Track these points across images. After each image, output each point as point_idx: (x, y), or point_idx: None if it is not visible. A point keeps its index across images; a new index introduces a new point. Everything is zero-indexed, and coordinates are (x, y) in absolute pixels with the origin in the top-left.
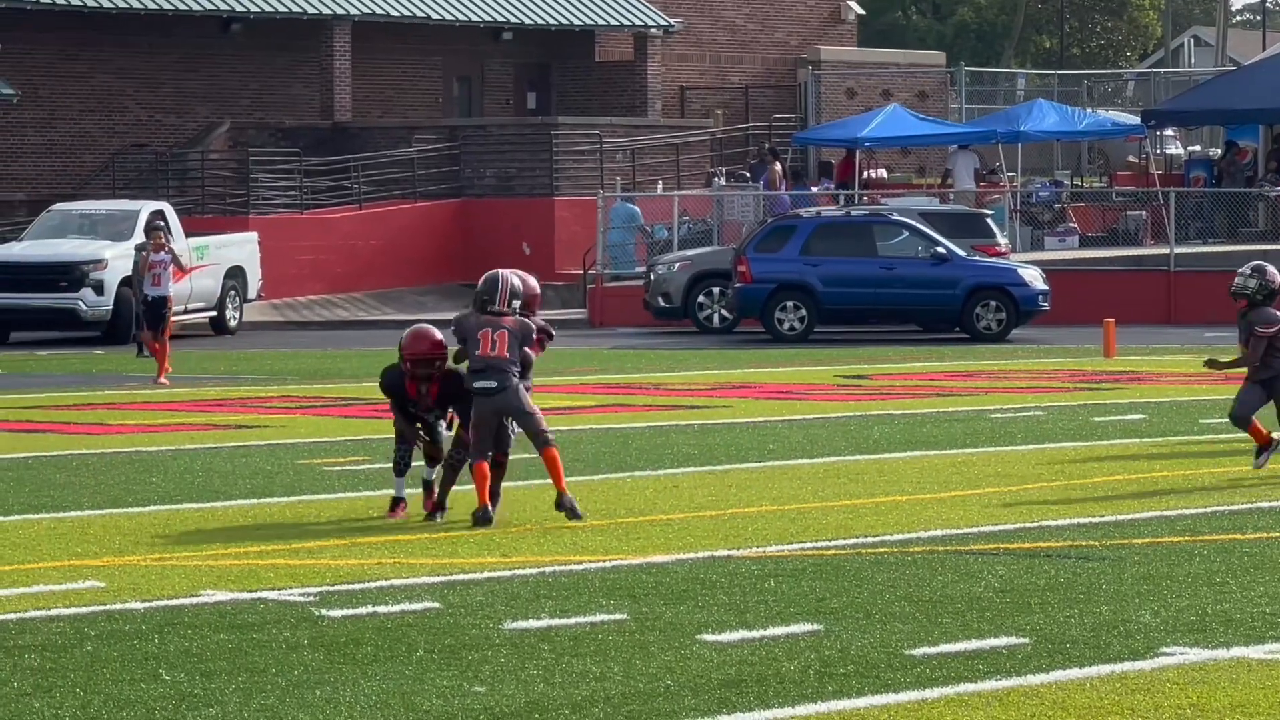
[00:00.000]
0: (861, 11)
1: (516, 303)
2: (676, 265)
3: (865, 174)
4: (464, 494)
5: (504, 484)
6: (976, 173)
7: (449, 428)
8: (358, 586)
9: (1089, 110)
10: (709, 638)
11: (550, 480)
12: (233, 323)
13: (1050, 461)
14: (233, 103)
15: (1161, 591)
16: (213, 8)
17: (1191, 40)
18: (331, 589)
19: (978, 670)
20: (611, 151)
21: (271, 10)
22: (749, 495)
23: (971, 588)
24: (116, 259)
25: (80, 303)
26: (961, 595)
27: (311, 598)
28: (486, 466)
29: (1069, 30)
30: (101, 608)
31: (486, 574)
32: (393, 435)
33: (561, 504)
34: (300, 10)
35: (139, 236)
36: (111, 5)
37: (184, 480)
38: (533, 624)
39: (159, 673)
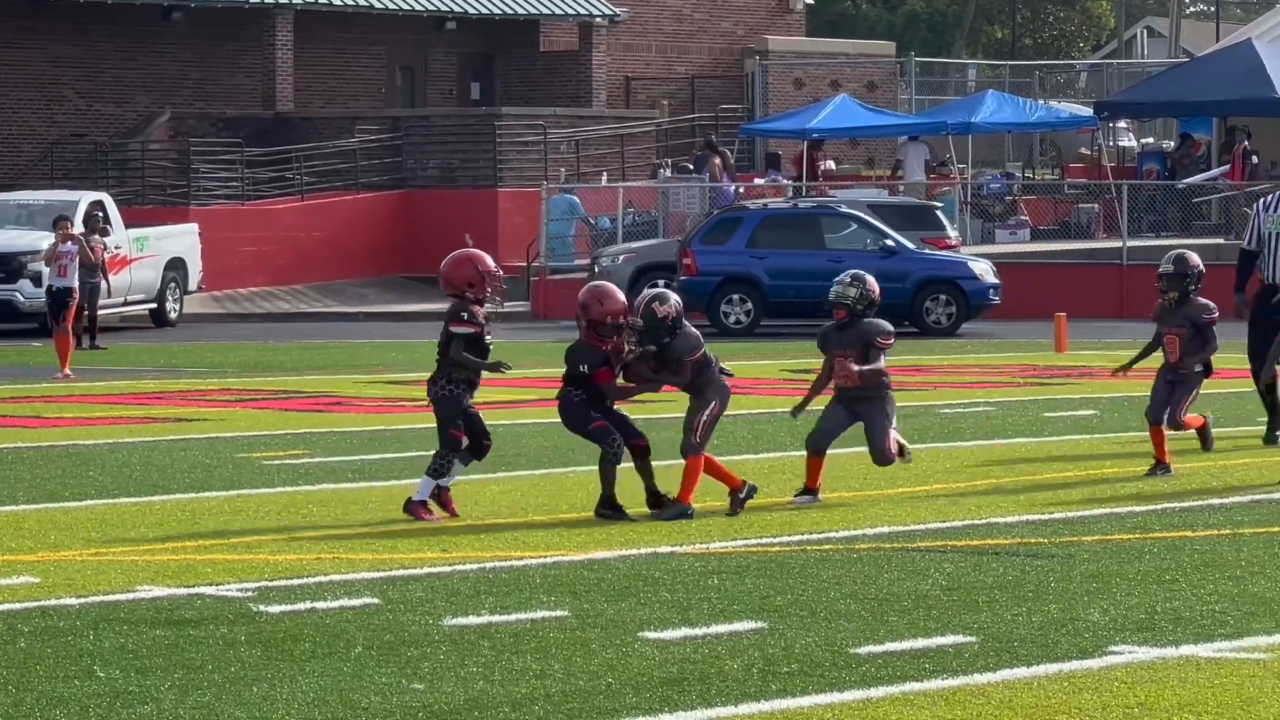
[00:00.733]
0: (810, 1)
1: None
2: (621, 258)
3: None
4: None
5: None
6: (927, 164)
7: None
8: (296, 582)
9: (1041, 102)
10: (651, 635)
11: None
12: (173, 315)
13: (1000, 458)
14: (173, 92)
15: (1111, 589)
16: None
17: (1145, 31)
18: (270, 585)
19: (924, 669)
20: (556, 142)
21: None
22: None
23: (918, 585)
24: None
25: (18, 294)
26: (908, 593)
27: (249, 593)
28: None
29: (1021, 21)
30: (35, 603)
31: (427, 570)
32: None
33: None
34: None
35: (78, 227)
36: None
37: (121, 474)
38: (473, 620)
39: (93, 669)
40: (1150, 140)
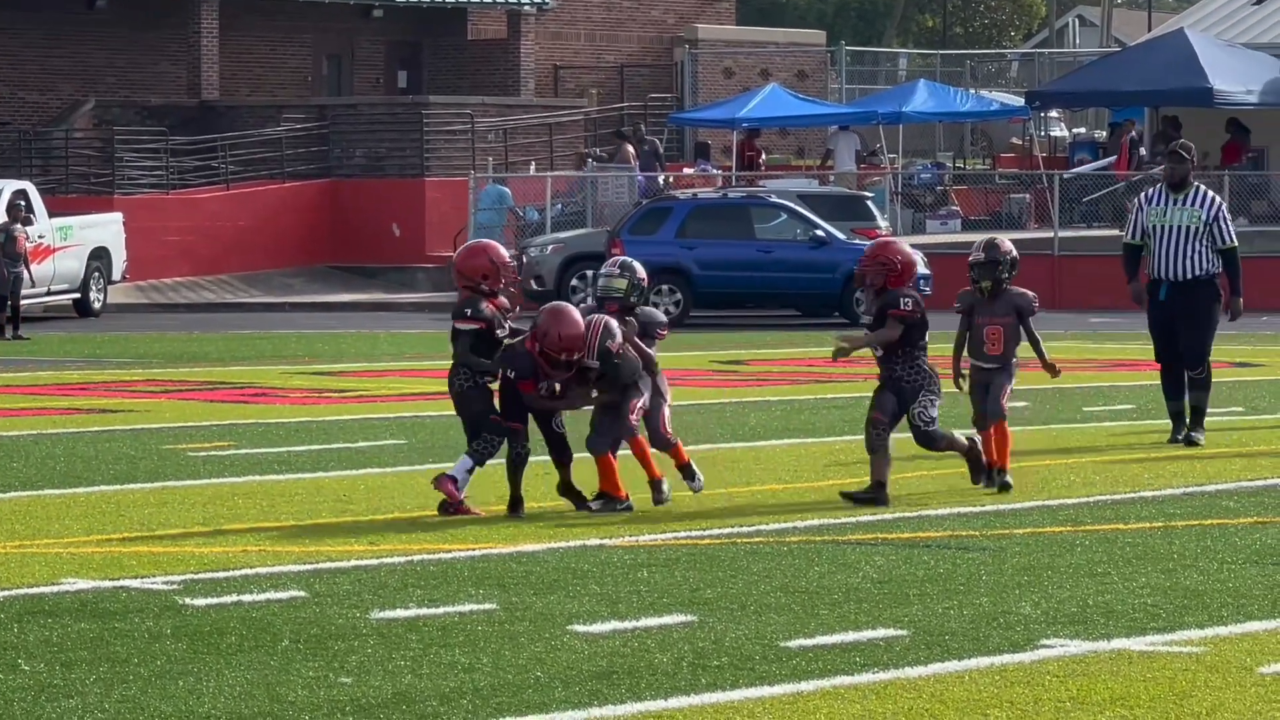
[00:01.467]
0: None
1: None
2: (549, 248)
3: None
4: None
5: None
6: (857, 154)
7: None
8: (222, 575)
9: (972, 91)
10: (580, 628)
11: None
12: (97, 305)
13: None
14: (98, 80)
15: (1042, 582)
16: None
17: (1076, 20)
18: (195, 577)
19: (855, 663)
20: (484, 131)
21: None
22: (622, 482)
23: (849, 579)
24: None
25: None
26: (839, 586)
27: (175, 586)
28: None
29: (952, 9)
30: None
31: (353, 562)
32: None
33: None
34: None
35: (0, 216)
36: None
37: (45, 465)
38: (400, 614)
39: (17, 663)
40: (1082, 130)
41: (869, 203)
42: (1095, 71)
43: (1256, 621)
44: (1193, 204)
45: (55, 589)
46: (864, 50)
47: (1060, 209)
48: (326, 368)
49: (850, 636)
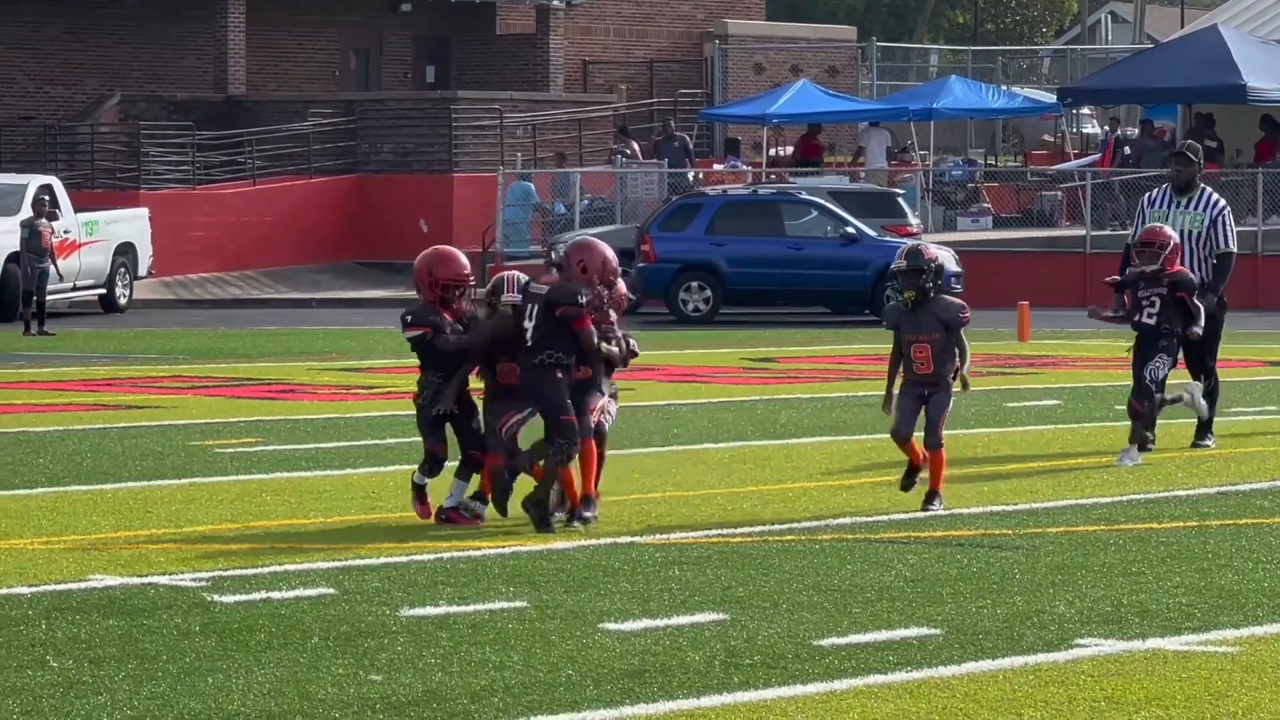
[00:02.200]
0: None
1: None
2: None
3: (773, 151)
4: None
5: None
6: (888, 151)
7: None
8: (251, 572)
9: (1004, 88)
10: (611, 626)
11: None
12: (123, 300)
13: (962, 448)
14: (123, 75)
15: (1076, 582)
16: None
17: (1109, 16)
18: (224, 574)
19: (888, 661)
20: (512, 127)
21: None
22: (653, 481)
23: (882, 577)
24: (3, 234)
25: None
26: (871, 584)
27: (203, 583)
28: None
29: (983, 5)
30: None
31: (383, 560)
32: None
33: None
34: None
35: (26, 211)
36: None
37: (72, 462)
38: (430, 611)
39: (46, 660)
40: (1109, 128)
41: (900, 199)
42: (1128, 68)
43: None
44: (1197, 207)
45: (83, 585)
46: (895, 46)
47: (1091, 206)
48: (354, 364)
49: (883, 635)
